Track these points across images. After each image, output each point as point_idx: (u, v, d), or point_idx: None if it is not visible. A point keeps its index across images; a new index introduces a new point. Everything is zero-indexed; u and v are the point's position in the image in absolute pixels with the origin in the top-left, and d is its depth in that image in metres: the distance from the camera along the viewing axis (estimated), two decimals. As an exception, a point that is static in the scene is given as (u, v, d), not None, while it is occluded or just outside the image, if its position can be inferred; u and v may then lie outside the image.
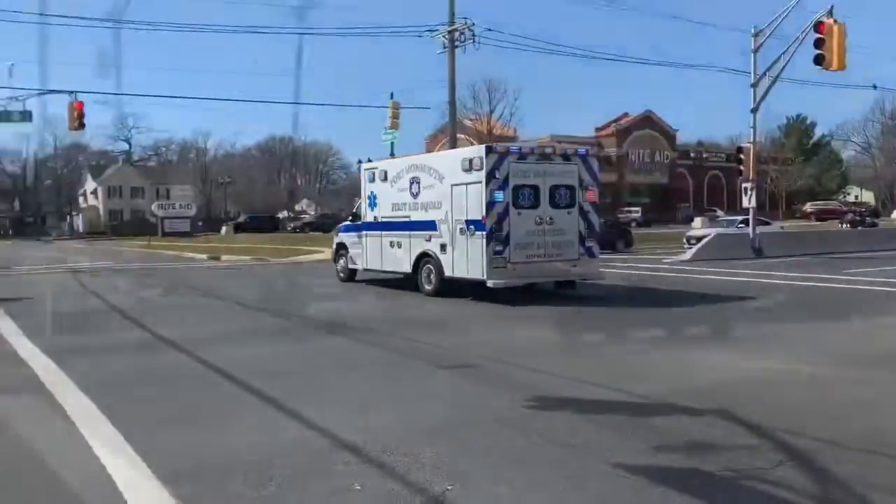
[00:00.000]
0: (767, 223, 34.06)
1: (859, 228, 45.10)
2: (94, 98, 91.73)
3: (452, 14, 28.86)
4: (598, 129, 79.84)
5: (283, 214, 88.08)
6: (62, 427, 5.95)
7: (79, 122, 27.82)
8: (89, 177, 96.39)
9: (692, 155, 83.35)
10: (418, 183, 16.02)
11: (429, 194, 15.68)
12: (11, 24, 61.32)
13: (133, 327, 12.30)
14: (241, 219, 79.45)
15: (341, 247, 19.54)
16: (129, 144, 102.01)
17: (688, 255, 26.30)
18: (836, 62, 21.72)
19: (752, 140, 27.56)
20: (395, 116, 32.86)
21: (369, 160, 18.73)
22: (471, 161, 14.44)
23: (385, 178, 17.26)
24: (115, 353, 9.76)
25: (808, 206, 72.59)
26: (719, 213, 62.92)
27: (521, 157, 14.42)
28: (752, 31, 26.26)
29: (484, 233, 14.05)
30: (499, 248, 14.04)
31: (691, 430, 5.69)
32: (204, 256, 34.62)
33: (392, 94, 33.51)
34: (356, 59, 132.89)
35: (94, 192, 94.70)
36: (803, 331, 10.98)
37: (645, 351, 9.52)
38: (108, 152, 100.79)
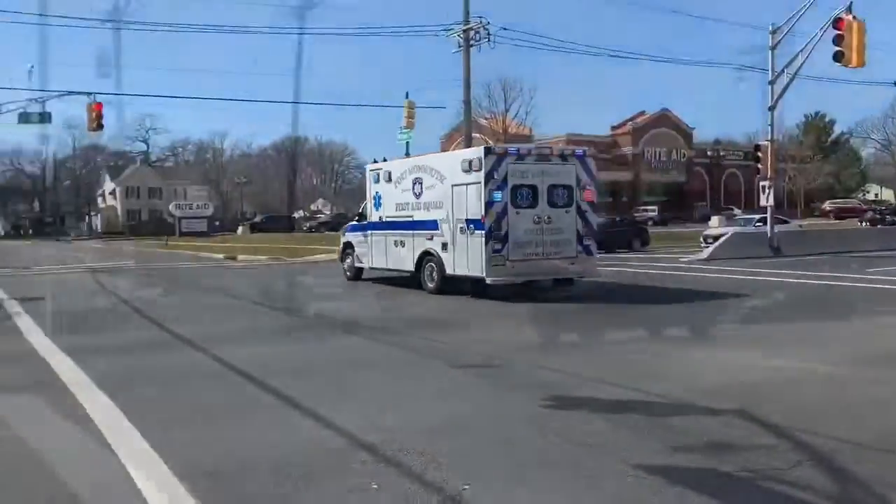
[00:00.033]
0: (786, 222, 33.76)
1: (879, 227, 44.64)
2: (112, 99, 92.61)
3: (467, 13, 28.86)
4: (614, 128, 79.48)
5: (298, 214, 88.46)
6: (81, 425, 6.00)
7: (97, 123, 28.07)
8: (107, 177, 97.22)
9: (709, 153, 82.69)
10: (421, 183, 16.44)
11: (431, 194, 16.08)
12: (31, 26, 61.94)
13: (150, 326, 12.40)
14: (258, 219, 79.89)
15: (348, 246, 19.89)
16: (147, 145, 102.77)
17: (705, 253, 26.15)
18: (856, 59, 21.49)
19: (769, 138, 27.31)
20: (411, 116, 32.84)
21: (384, 159, 18.86)
22: (470, 162, 14.77)
23: (389, 179, 17.67)
24: (133, 351, 9.86)
25: (827, 205, 71.88)
26: (736, 211, 62.45)
27: (520, 157, 14.74)
28: (770, 28, 26.05)
29: (483, 232, 14.36)
30: (497, 246, 14.32)
31: (708, 429, 5.66)
32: (220, 256, 34.83)
33: (407, 94, 33.55)
34: (371, 58, 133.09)
35: (113, 193, 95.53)
36: (820, 329, 10.90)
37: (658, 350, 9.49)
38: (125, 153, 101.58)
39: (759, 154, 27.16)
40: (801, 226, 38.12)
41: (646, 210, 66.51)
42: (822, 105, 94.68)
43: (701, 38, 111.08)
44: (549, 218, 14.69)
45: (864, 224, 49.44)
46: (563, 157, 15.24)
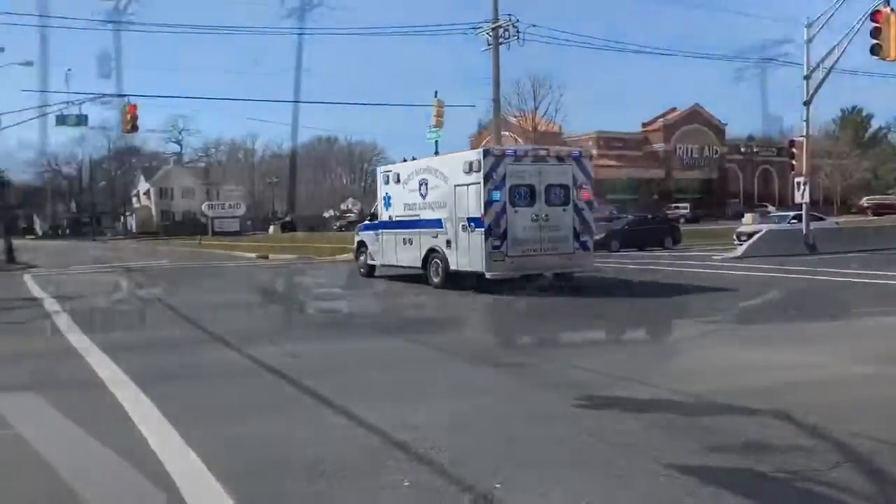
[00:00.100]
0: (821, 219, 33.15)
1: (919, 223, 43.65)
2: (147, 101, 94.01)
3: (496, 11, 28.83)
4: (644, 125, 78.73)
5: (329, 213, 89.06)
6: (119, 421, 6.11)
7: (132, 124, 28.54)
8: (142, 178, 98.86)
9: (742, 149, 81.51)
10: (426, 184, 17.30)
11: (435, 195, 16.92)
12: (67, 30, 63.13)
13: (185, 324, 12.60)
14: (288, 218, 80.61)
15: (361, 244, 20.78)
16: (180, 146, 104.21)
17: (738, 251, 25.82)
18: (894, 52, 21.04)
19: (804, 133, 26.87)
20: (440, 115, 32.89)
21: (413, 158, 19.30)
22: (471, 163, 15.53)
23: (398, 181, 18.55)
24: (168, 348, 10.01)
25: (865, 201, 70.43)
26: (770, 208, 61.44)
27: (517, 158, 15.65)
28: (806, 21, 25.62)
29: (483, 229, 15.11)
30: (497, 243, 15.08)
31: (743, 429, 5.58)
32: (253, 255, 35.23)
33: (436, 93, 33.60)
34: (400, 58, 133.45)
35: (147, 193, 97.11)
36: (857, 328, 10.72)
37: (689, 348, 9.39)
38: (159, 154, 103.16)
39: (794, 150, 26.76)
40: (837, 223, 37.44)
41: (677, 208, 65.75)
42: (860, 100, 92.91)
43: (732, 33, 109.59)
44: (546, 216, 15.42)
45: (902, 220, 48.37)
46: (560, 158, 16.00)
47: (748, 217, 50.13)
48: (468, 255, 15.65)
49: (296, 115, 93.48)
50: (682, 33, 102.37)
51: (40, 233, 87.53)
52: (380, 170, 20.29)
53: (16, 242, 35.15)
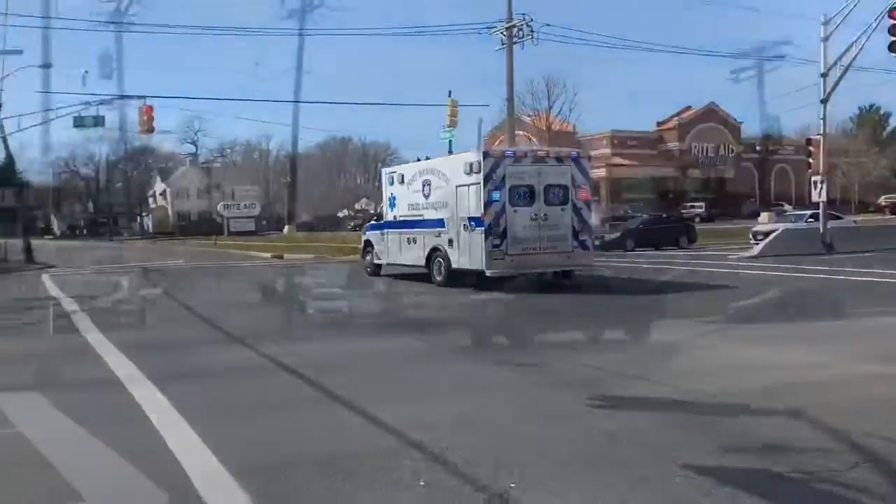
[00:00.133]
0: (839, 217, 32.82)
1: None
2: (163, 102, 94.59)
3: (510, 10, 28.80)
4: (659, 124, 78.26)
5: (343, 213, 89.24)
6: (135, 419, 6.16)
7: (148, 125, 28.78)
8: (158, 178, 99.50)
9: (758, 148, 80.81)
10: (429, 185, 17.70)
11: (438, 195, 17.31)
12: (82, 32, 63.66)
13: (201, 322, 12.69)
14: (304, 218, 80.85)
15: (368, 244, 21.18)
16: (196, 147, 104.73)
17: (755, 250, 25.64)
18: (913, 48, 20.82)
19: (821, 132, 26.63)
20: (454, 115, 32.91)
21: (427, 158, 19.31)
22: (471, 165, 15.91)
23: (402, 182, 18.96)
24: (184, 347, 10.10)
25: (883, 200, 69.59)
26: (787, 207, 60.91)
27: (517, 160, 15.99)
28: (822, 19, 25.37)
29: (483, 228, 15.48)
30: (496, 241, 15.44)
31: (759, 429, 5.55)
32: (268, 255, 35.40)
33: (450, 93, 33.59)
34: (414, 58, 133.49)
35: (163, 194, 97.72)
36: (874, 327, 10.61)
37: (703, 347, 9.33)
38: (175, 154, 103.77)
39: (811, 148, 26.51)
40: (855, 221, 37.07)
41: (693, 207, 65.32)
42: (878, 97, 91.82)
43: (747, 30, 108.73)
44: (545, 215, 15.75)
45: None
46: (559, 159, 16.34)
47: (764, 216, 49.74)
48: (469, 253, 16.01)
49: (296, 117, 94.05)
50: (697, 31, 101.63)
51: (58, 233, 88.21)
52: (385, 171, 20.84)
53: (34, 243, 35.50)
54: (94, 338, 10.74)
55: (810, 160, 26.53)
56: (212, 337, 11.14)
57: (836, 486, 4.38)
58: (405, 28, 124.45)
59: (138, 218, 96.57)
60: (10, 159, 37.45)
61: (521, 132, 57.08)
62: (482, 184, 15.46)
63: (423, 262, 17.82)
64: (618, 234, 32.75)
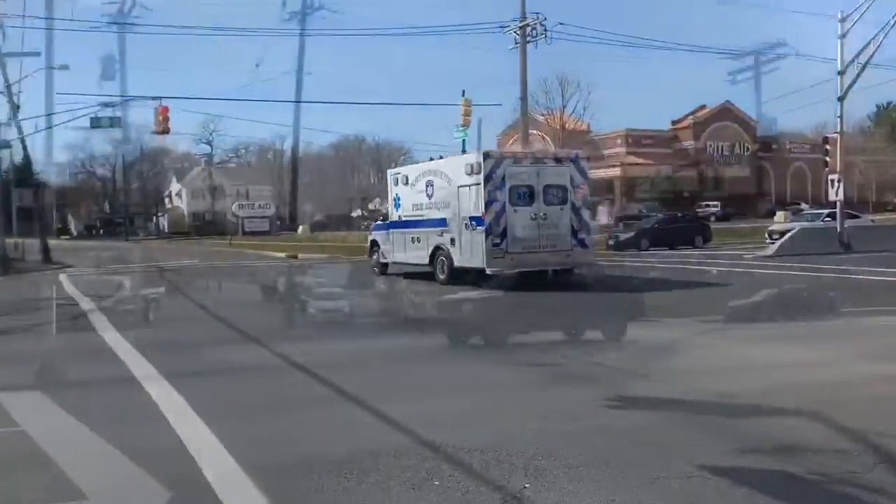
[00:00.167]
0: (856, 216, 32.52)
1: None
2: (179, 102, 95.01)
3: (524, 9, 28.76)
4: (674, 123, 77.83)
5: (356, 213, 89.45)
6: (152, 418, 6.21)
7: (164, 126, 28.92)
8: (174, 179, 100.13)
9: (774, 146, 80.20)
10: (432, 186, 18.07)
11: (440, 195, 17.68)
12: (97, 34, 64.09)
13: (216, 322, 12.76)
14: (317, 218, 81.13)
15: (374, 244, 21.62)
16: (211, 147, 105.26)
17: (770, 250, 25.47)
18: (931, 46, 20.60)
19: (839, 130, 26.40)
20: (467, 114, 32.81)
21: (440, 157, 19.37)
22: (472, 166, 16.28)
23: (406, 182, 19.33)
24: (199, 346, 10.16)
25: (901, 198, 69.00)
26: (803, 206, 60.40)
27: (517, 160, 16.41)
28: (839, 15, 25.16)
29: (483, 228, 15.86)
30: (497, 240, 15.83)
31: (776, 429, 5.51)
32: (282, 255, 35.55)
33: (464, 92, 33.55)
34: (427, 57, 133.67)
35: (179, 194, 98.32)
36: (889, 328, 10.51)
37: (718, 347, 9.29)
38: (191, 155, 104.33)
39: (828, 147, 26.31)
40: (872, 220, 36.72)
41: (708, 206, 64.91)
42: (895, 95, 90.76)
43: (764, 28, 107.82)
44: (545, 215, 16.13)
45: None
46: (558, 160, 16.88)
47: (780, 215, 49.39)
48: (471, 252, 16.37)
49: (297, 118, 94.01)
50: (712, 30, 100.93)
51: (75, 233, 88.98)
52: (390, 172, 21.22)
53: (51, 243, 35.84)
54: (111, 337, 10.83)
55: (827, 158, 26.32)
56: (227, 336, 11.21)
57: (854, 487, 4.33)
58: (419, 28, 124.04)
59: (154, 218, 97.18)
60: (27, 160, 37.85)
61: (534, 131, 56.93)
62: (483, 184, 15.80)
63: (426, 261, 18.16)
64: (632, 234, 32.65)
